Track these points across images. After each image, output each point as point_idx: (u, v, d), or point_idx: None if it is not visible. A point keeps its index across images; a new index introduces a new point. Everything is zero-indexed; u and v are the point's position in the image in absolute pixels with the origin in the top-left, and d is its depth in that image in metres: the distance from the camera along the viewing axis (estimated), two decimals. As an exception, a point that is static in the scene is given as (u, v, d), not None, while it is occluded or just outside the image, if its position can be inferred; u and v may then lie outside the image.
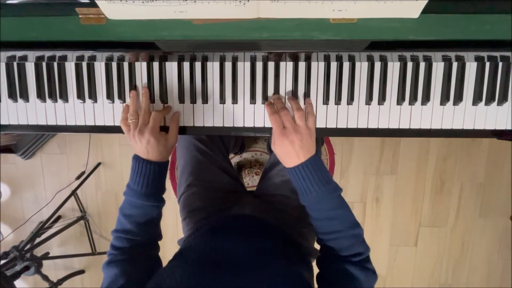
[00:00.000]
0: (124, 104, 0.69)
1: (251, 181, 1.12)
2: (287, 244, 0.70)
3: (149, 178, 0.63)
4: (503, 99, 0.66)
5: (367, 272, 0.57)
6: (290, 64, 0.67)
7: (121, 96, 0.69)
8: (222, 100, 0.69)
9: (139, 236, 0.64)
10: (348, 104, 0.68)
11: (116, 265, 0.60)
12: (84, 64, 0.69)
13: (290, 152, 0.59)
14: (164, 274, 0.54)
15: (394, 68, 0.66)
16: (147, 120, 0.63)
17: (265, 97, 0.68)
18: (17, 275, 1.38)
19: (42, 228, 1.57)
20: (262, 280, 0.51)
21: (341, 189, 0.61)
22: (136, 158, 0.64)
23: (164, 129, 0.69)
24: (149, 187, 0.64)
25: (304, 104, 0.67)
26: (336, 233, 0.59)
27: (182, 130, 0.71)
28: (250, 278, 0.52)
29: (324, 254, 0.63)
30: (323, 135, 0.79)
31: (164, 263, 0.62)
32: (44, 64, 0.69)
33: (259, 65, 0.67)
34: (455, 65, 0.66)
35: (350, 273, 0.56)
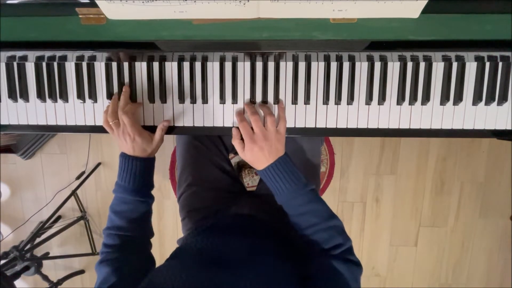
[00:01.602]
0: (107, 105, 0.69)
1: (251, 181, 1.12)
2: (287, 243, 0.70)
3: (136, 174, 0.65)
4: (503, 99, 0.66)
5: (349, 265, 0.57)
6: (290, 64, 0.67)
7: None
8: (222, 100, 0.69)
9: (130, 232, 0.65)
10: (348, 104, 0.68)
11: (108, 263, 0.61)
12: (84, 64, 0.69)
13: (259, 157, 0.62)
14: (160, 272, 0.54)
15: (394, 68, 0.66)
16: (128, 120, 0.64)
17: (265, 97, 0.68)
18: (17, 275, 1.38)
19: (42, 228, 1.57)
20: (260, 279, 0.51)
21: (313, 184, 0.63)
22: (123, 155, 0.66)
23: (153, 129, 0.69)
24: (137, 183, 0.65)
25: (277, 108, 0.68)
26: (312, 226, 0.60)
27: (182, 130, 0.71)
28: (248, 277, 0.52)
29: (306, 253, 0.63)
30: (323, 135, 0.79)
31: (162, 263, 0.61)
32: (44, 64, 0.69)
33: (259, 65, 0.67)
34: (455, 65, 0.66)
35: (332, 267, 0.56)
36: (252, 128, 0.63)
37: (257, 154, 0.61)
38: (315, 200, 0.62)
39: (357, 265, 0.58)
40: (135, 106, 0.68)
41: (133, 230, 0.66)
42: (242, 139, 0.65)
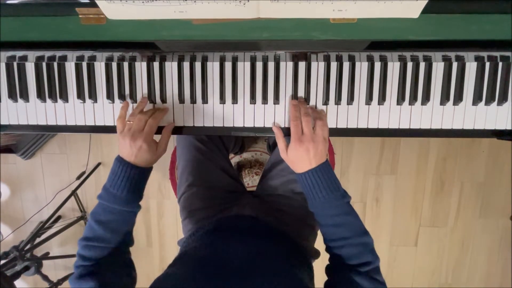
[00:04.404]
0: (124, 102, 0.69)
1: (251, 181, 1.12)
2: (287, 244, 0.70)
3: (131, 182, 0.61)
4: (503, 99, 0.66)
5: (375, 283, 0.56)
6: (290, 64, 0.67)
7: (121, 96, 0.69)
8: (222, 100, 0.69)
9: (112, 244, 0.60)
10: (348, 104, 0.68)
11: (91, 278, 0.56)
12: (84, 64, 0.69)
13: (303, 158, 0.60)
14: (164, 281, 0.54)
15: (394, 68, 0.66)
16: (142, 127, 0.62)
17: (265, 97, 0.68)
18: (17, 275, 1.38)
19: (42, 228, 1.57)
20: (262, 282, 0.51)
21: (350, 196, 0.61)
22: (120, 160, 0.61)
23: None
24: (130, 192, 0.61)
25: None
26: (343, 240, 0.58)
27: (182, 130, 0.71)
28: (250, 281, 0.52)
29: (332, 262, 0.62)
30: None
31: (165, 263, 0.61)
32: (44, 64, 0.69)
33: (259, 65, 0.67)
34: (455, 65, 0.66)
35: (356, 283, 0.55)
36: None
37: (302, 154, 0.60)
38: (349, 213, 0.60)
39: (382, 284, 0.57)
40: (163, 113, 0.67)
41: (115, 241, 0.61)
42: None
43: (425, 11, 0.55)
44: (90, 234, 0.60)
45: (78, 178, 1.66)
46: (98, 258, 0.59)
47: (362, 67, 0.67)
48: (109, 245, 0.60)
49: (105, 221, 0.60)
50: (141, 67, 0.69)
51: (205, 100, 0.69)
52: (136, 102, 0.70)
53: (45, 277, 1.55)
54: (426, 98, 0.67)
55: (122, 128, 0.63)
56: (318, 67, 0.67)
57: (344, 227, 0.59)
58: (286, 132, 0.68)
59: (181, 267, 0.59)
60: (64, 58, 0.69)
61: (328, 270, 0.62)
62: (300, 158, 0.60)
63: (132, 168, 0.61)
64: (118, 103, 0.70)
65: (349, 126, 0.69)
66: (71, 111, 0.71)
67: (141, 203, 0.65)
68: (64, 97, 0.70)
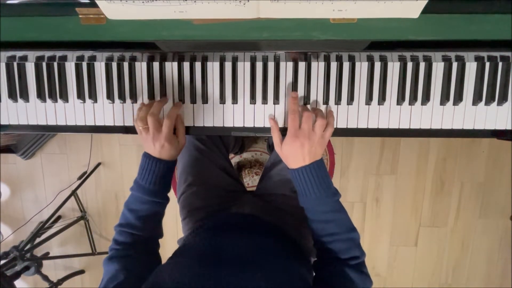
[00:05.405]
0: (141, 103, 0.69)
1: (251, 181, 1.12)
2: (287, 243, 0.70)
3: (158, 176, 0.65)
4: (503, 99, 0.66)
5: (363, 276, 0.58)
6: (290, 64, 0.67)
7: (121, 96, 0.69)
8: (222, 100, 0.69)
9: (142, 232, 0.65)
10: (348, 104, 0.68)
11: (117, 261, 0.61)
12: (84, 64, 0.69)
13: (297, 154, 0.60)
14: (163, 271, 0.54)
15: (394, 68, 0.66)
16: (158, 126, 0.63)
17: (265, 97, 0.68)
18: (17, 275, 1.38)
19: (42, 228, 1.57)
20: (261, 277, 0.51)
21: (340, 194, 0.62)
22: (147, 155, 0.65)
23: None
24: (157, 185, 0.65)
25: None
26: (332, 235, 0.59)
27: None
28: (250, 275, 0.52)
29: (320, 257, 0.63)
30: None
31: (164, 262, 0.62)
32: (44, 64, 0.69)
33: (259, 65, 0.67)
34: (455, 65, 0.66)
35: (347, 275, 0.56)
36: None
37: (296, 150, 0.60)
38: (339, 211, 0.61)
39: (369, 278, 0.59)
40: (178, 109, 0.67)
41: (145, 229, 0.66)
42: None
43: (425, 11, 0.55)
44: (123, 220, 0.66)
45: (80, 178, 1.66)
46: (128, 243, 0.64)
47: (362, 67, 0.67)
48: (138, 232, 0.65)
49: (136, 209, 0.65)
50: (141, 67, 0.69)
51: (205, 100, 0.69)
52: (136, 102, 0.70)
53: (45, 277, 1.56)
54: (426, 98, 0.67)
55: (140, 132, 0.65)
56: (318, 67, 0.67)
57: (333, 223, 0.60)
58: (285, 132, 0.68)
59: (180, 259, 0.60)
60: (64, 58, 0.69)
61: (317, 265, 0.63)
62: (294, 153, 0.60)
63: (157, 162, 0.64)
64: (118, 103, 0.70)
65: (349, 126, 0.69)
66: (71, 111, 0.71)
67: None
68: (64, 97, 0.70)
